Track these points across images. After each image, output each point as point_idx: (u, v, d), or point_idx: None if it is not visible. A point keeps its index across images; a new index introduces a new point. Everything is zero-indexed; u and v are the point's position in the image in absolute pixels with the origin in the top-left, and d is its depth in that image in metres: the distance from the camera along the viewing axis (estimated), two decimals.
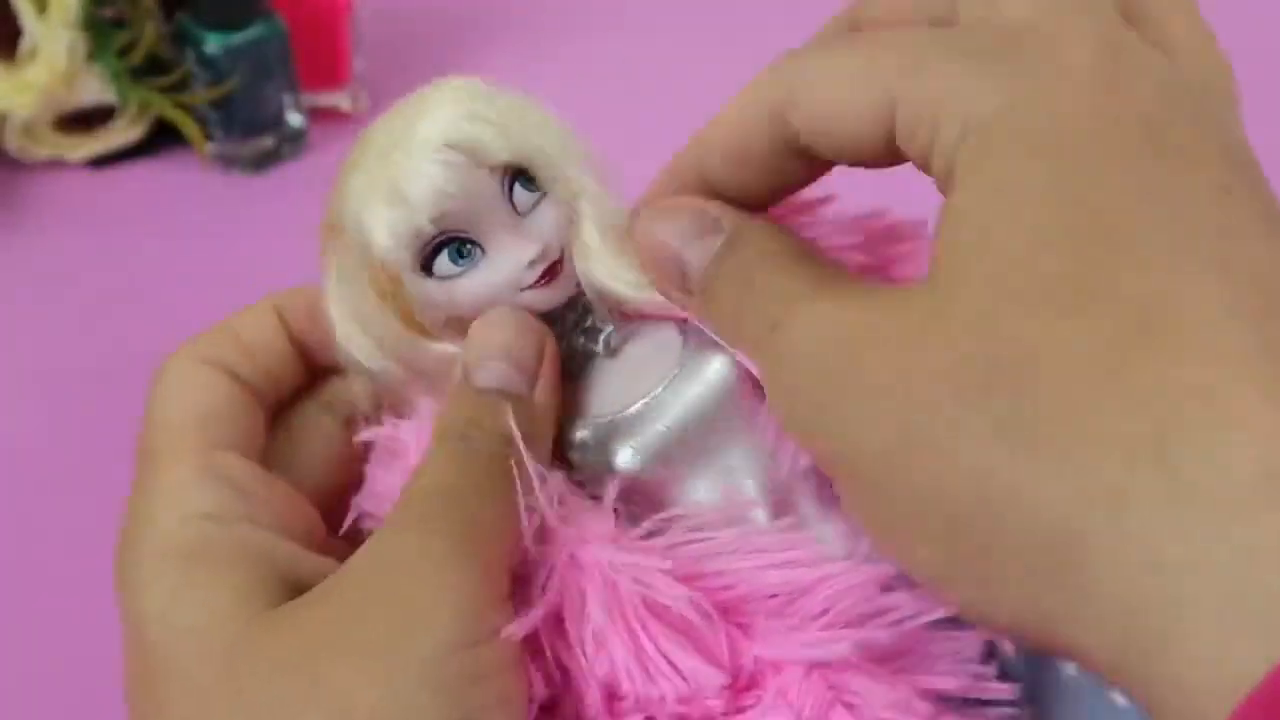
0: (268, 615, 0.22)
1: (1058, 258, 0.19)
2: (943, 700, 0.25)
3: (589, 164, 0.29)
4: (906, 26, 0.24)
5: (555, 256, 0.27)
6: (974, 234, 0.20)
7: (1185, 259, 0.18)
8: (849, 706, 0.24)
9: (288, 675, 0.21)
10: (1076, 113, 0.20)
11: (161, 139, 0.54)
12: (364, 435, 0.27)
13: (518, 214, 0.27)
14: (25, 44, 0.50)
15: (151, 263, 0.50)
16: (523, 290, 0.27)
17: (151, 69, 0.52)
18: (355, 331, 0.27)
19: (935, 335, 0.19)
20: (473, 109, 0.28)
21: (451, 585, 0.22)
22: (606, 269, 0.27)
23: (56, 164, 0.54)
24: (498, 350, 0.25)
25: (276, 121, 0.53)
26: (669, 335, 0.27)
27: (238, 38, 0.50)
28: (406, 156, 0.26)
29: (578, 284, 0.27)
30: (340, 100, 0.56)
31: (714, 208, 0.25)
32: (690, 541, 0.25)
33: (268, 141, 0.54)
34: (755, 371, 0.23)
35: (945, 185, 0.21)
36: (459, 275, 0.26)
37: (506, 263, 0.27)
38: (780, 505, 0.26)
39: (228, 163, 0.54)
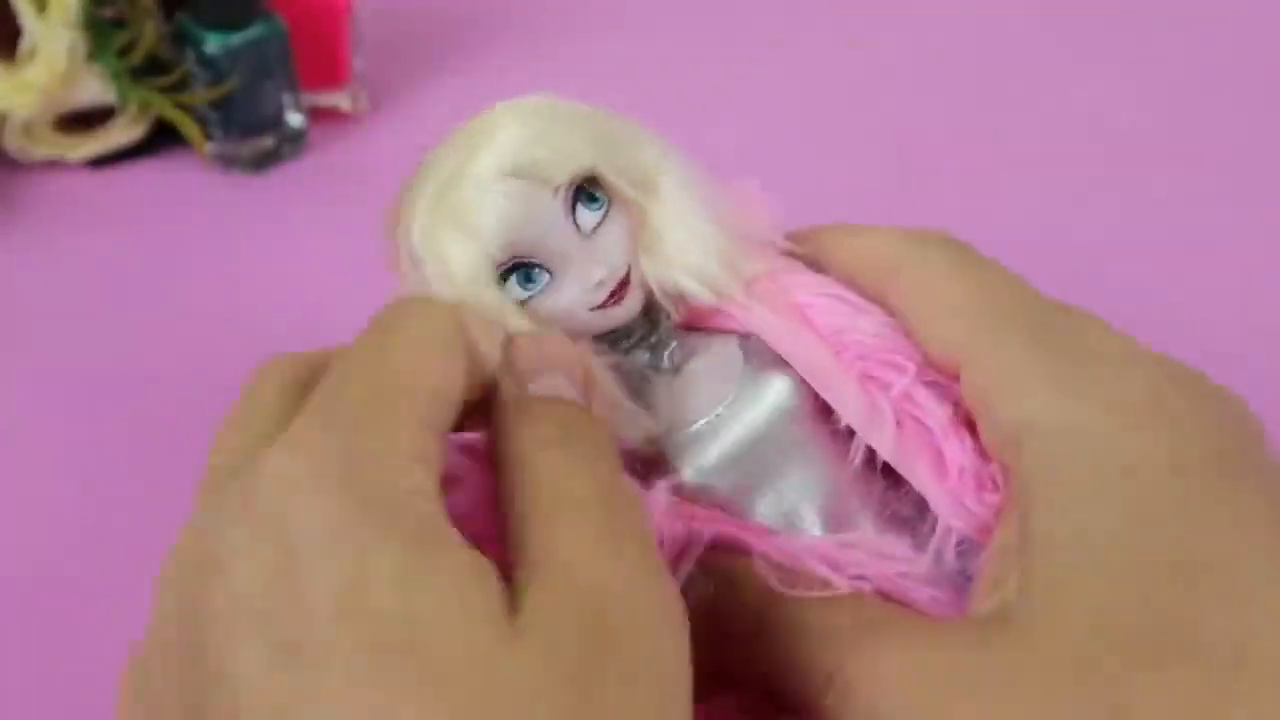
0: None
1: (1145, 604, 0.19)
2: None
3: (663, 159, 0.29)
4: None
5: (622, 275, 0.27)
6: (1058, 576, 0.20)
7: (1269, 590, 0.19)
8: None
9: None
10: (1143, 444, 0.21)
11: (161, 139, 0.54)
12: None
13: (582, 235, 0.27)
14: (25, 44, 0.50)
15: (151, 263, 0.50)
16: (591, 310, 0.27)
17: (151, 69, 0.52)
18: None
19: (1026, 687, 0.19)
20: (532, 132, 0.28)
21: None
22: (683, 267, 0.27)
23: (56, 164, 0.54)
24: (549, 362, 0.24)
25: (276, 121, 0.53)
26: (731, 351, 0.27)
27: (237, 38, 0.50)
28: (472, 189, 0.27)
29: (644, 298, 0.28)
30: (340, 100, 0.56)
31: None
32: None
33: (268, 141, 0.54)
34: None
35: (1006, 462, 0.22)
36: (528, 299, 0.27)
37: (574, 285, 0.27)
38: (839, 528, 0.26)
39: (228, 163, 0.54)
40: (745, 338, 0.27)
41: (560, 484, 0.21)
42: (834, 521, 0.26)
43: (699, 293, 0.27)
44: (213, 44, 0.50)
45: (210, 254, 0.50)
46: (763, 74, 0.62)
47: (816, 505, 0.26)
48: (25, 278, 0.49)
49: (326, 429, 0.21)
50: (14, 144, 0.53)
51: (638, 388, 0.27)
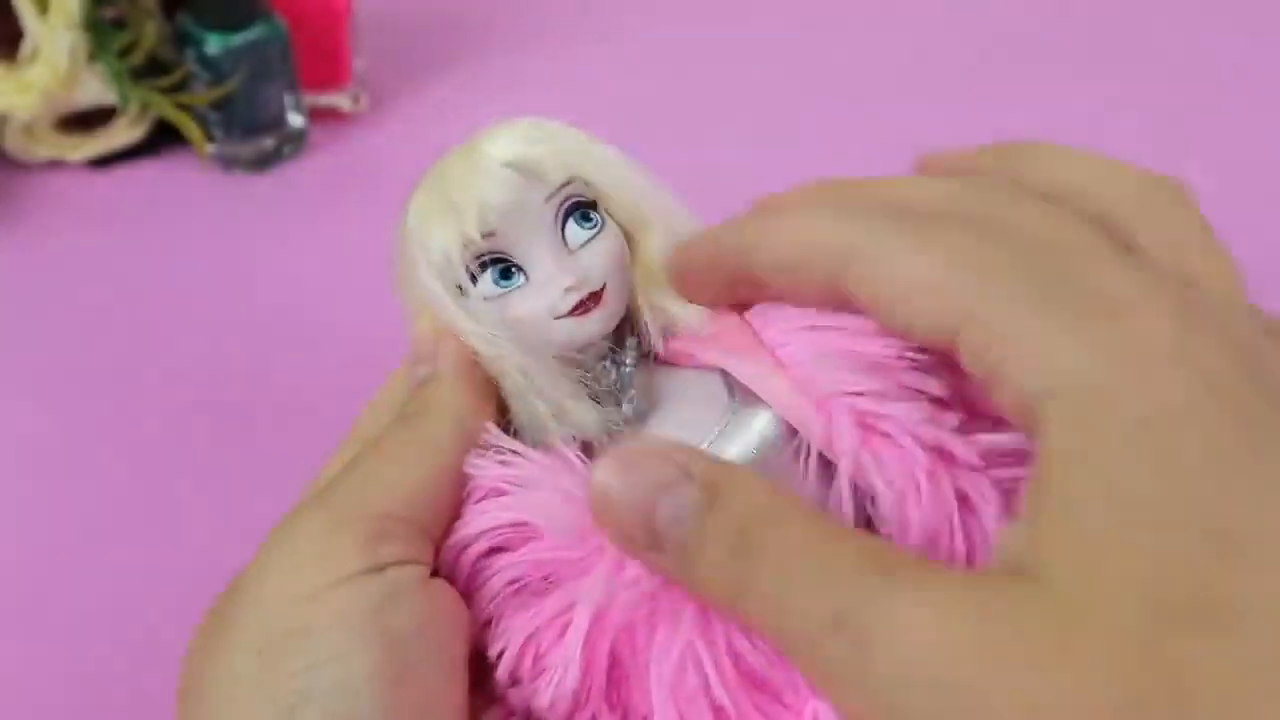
0: None
1: (1189, 572, 0.18)
2: None
3: (651, 195, 0.30)
4: (972, 174, 0.24)
5: (595, 288, 0.28)
6: (1090, 539, 0.19)
7: None
8: None
9: None
10: (1170, 399, 0.19)
11: (162, 139, 0.54)
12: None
13: (567, 248, 0.28)
14: (27, 45, 0.50)
15: (153, 263, 0.50)
16: (557, 318, 0.27)
17: (152, 70, 0.52)
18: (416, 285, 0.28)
19: (1072, 657, 0.18)
20: (534, 134, 0.28)
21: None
22: (670, 293, 0.28)
23: (57, 164, 0.54)
24: (432, 350, 0.28)
25: (277, 122, 0.54)
26: (715, 386, 0.28)
27: (238, 38, 0.50)
28: (465, 171, 0.28)
29: (618, 323, 0.28)
30: (341, 100, 0.56)
31: (681, 454, 0.22)
32: None
33: (268, 142, 0.54)
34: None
35: (1026, 428, 0.21)
36: (499, 296, 0.27)
37: (544, 291, 0.27)
38: None
39: (228, 163, 0.54)
40: (726, 373, 0.28)
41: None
42: None
43: (692, 322, 0.28)
44: (213, 45, 0.50)
45: (211, 254, 0.51)
46: (762, 75, 0.62)
47: None
48: (26, 277, 0.49)
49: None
50: (15, 144, 0.53)
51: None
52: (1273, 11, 0.66)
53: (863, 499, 0.26)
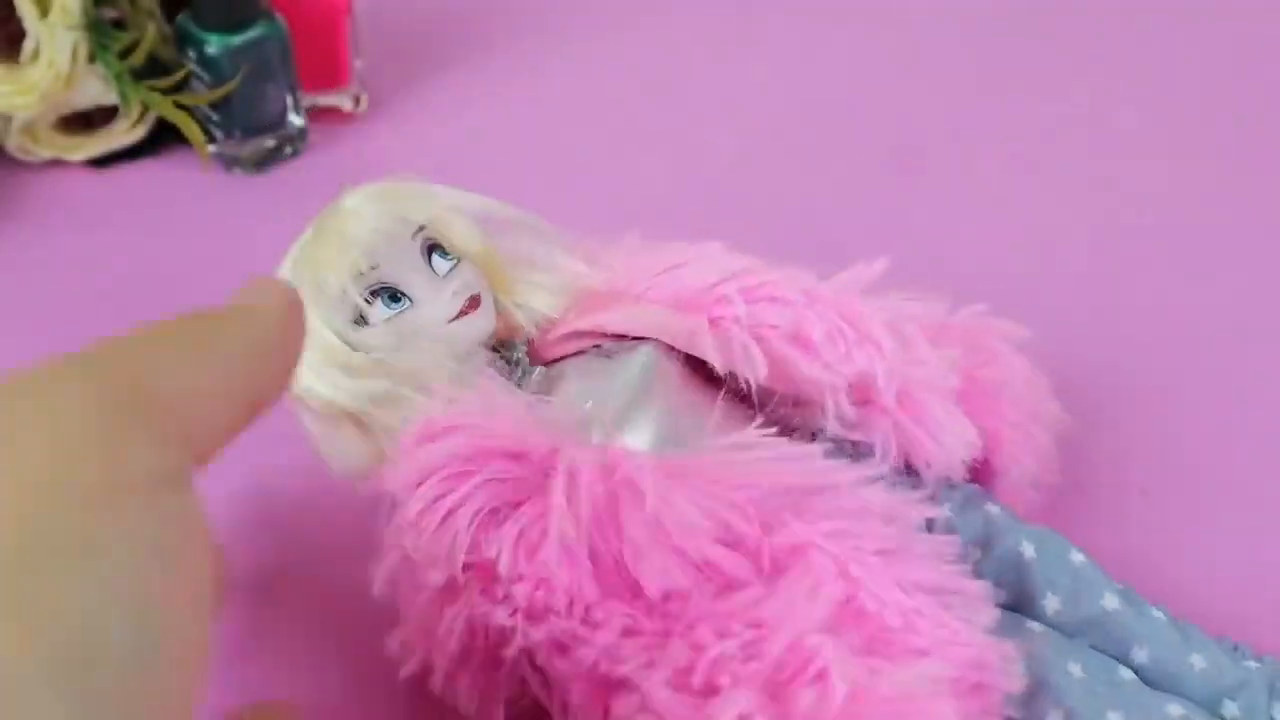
0: None
1: None
2: (925, 591, 0.29)
3: (519, 228, 0.37)
4: None
5: (473, 293, 0.34)
6: None
7: None
8: (855, 580, 0.28)
9: None
10: None
11: (163, 140, 0.54)
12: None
13: (438, 275, 0.34)
14: (28, 45, 0.50)
15: (153, 263, 0.50)
16: (450, 322, 0.34)
17: (153, 70, 0.52)
18: (313, 377, 0.33)
19: None
20: (391, 189, 0.35)
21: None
22: (533, 297, 0.35)
23: (58, 164, 0.54)
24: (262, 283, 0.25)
25: (277, 122, 0.54)
26: (595, 361, 0.34)
27: (238, 39, 0.51)
28: (340, 222, 0.34)
29: (499, 327, 0.35)
30: (341, 101, 0.57)
31: None
32: (718, 456, 0.30)
33: (269, 142, 0.54)
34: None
35: None
36: (395, 317, 0.33)
37: (432, 304, 0.34)
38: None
39: (229, 163, 0.54)
40: (596, 346, 0.34)
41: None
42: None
43: (551, 309, 0.35)
44: (214, 45, 0.51)
45: (211, 254, 0.51)
46: (761, 72, 0.62)
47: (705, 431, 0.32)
48: (27, 277, 0.50)
49: None
50: (16, 144, 0.53)
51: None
52: (1273, 11, 0.66)
53: (758, 391, 0.33)
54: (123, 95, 0.52)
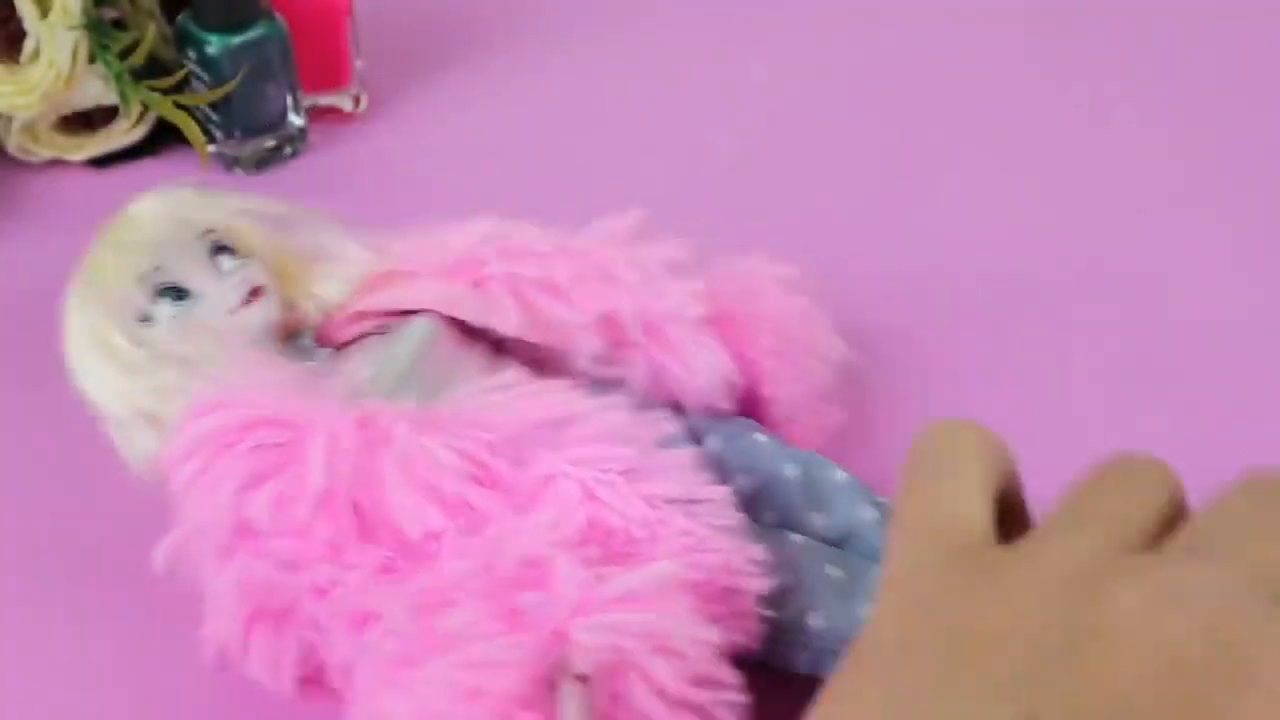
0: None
1: None
2: (669, 501, 0.31)
3: (309, 225, 0.40)
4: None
5: (256, 283, 0.37)
6: None
7: None
8: (600, 501, 0.31)
9: None
10: None
11: (163, 140, 0.54)
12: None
13: (222, 273, 0.37)
14: (28, 45, 0.50)
15: None
16: (233, 313, 0.36)
17: (153, 70, 0.52)
18: (102, 382, 0.36)
19: None
20: (172, 195, 0.38)
21: None
22: (315, 287, 0.38)
23: (59, 164, 0.54)
24: None
25: (278, 122, 0.54)
26: (374, 342, 0.36)
27: (239, 39, 0.51)
28: (123, 230, 0.37)
29: (284, 317, 0.37)
30: (341, 101, 0.57)
31: None
32: (470, 403, 0.33)
33: (269, 142, 0.54)
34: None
35: None
36: (182, 313, 0.36)
37: (216, 295, 0.36)
38: None
39: (229, 163, 0.54)
40: (379, 333, 0.37)
41: None
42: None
43: (340, 295, 0.38)
44: (214, 45, 0.51)
45: None
46: (760, 73, 0.62)
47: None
48: (27, 277, 0.50)
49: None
50: (17, 144, 0.53)
51: None
52: (1273, 10, 0.66)
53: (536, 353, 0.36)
54: (123, 95, 0.52)
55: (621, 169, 0.55)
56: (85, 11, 0.50)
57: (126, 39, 0.51)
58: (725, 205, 0.53)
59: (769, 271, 0.40)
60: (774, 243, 0.51)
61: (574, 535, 0.30)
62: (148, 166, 0.55)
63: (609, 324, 0.36)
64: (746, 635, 0.31)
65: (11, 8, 0.50)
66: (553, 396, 0.33)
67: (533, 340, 0.36)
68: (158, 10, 0.52)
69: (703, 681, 0.29)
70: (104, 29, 0.51)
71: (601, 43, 0.64)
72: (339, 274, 0.39)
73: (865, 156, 0.57)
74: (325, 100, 0.56)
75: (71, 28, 0.50)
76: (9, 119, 0.52)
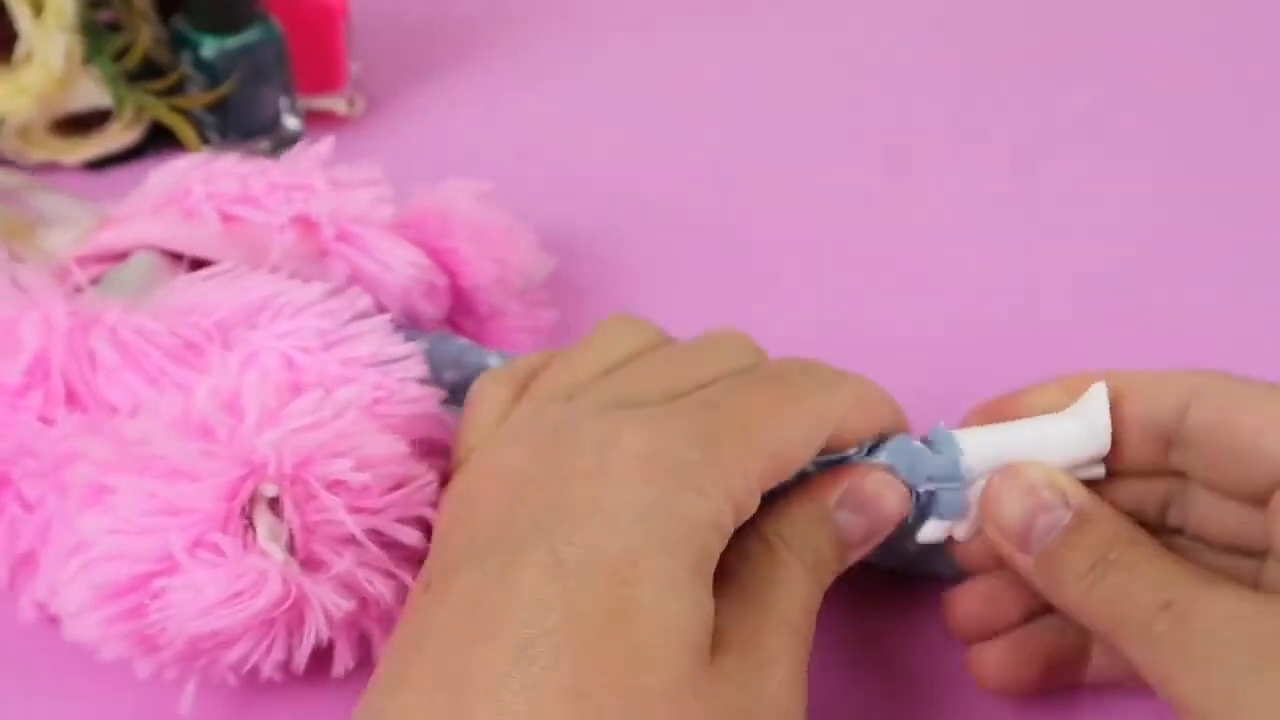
0: None
1: None
2: (361, 363, 0.34)
3: (32, 194, 0.42)
4: None
5: None
6: None
7: None
8: (299, 367, 0.33)
9: None
10: None
11: (158, 142, 0.54)
12: None
13: None
14: (21, 47, 0.50)
15: None
16: None
17: (147, 72, 0.52)
18: None
19: None
20: None
21: None
22: (51, 241, 0.39)
23: (53, 167, 0.54)
24: None
25: (273, 125, 0.53)
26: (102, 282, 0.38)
27: (233, 41, 0.50)
28: None
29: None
30: (336, 104, 0.56)
31: (1060, 483, 0.30)
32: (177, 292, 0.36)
33: (264, 145, 0.54)
34: (1136, 660, 0.28)
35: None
36: None
37: None
38: None
39: None
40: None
41: None
42: None
43: (64, 247, 0.39)
44: (209, 47, 0.50)
45: None
46: (758, 72, 0.62)
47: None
48: None
49: None
50: (10, 147, 0.53)
51: None
52: (1273, 9, 0.66)
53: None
54: (117, 98, 0.52)
55: (618, 169, 0.55)
56: (79, 13, 0.50)
57: (120, 41, 0.51)
58: (724, 205, 0.53)
59: (464, 186, 0.43)
60: (773, 242, 0.51)
61: (275, 390, 0.33)
62: (143, 169, 0.54)
63: (305, 226, 0.39)
64: (441, 475, 0.34)
65: (4, 9, 0.50)
66: (258, 280, 0.36)
67: (239, 257, 0.38)
68: (152, 12, 0.52)
69: (398, 487, 0.32)
70: (98, 31, 0.51)
71: (599, 44, 0.64)
72: (68, 235, 0.40)
73: (863, 157, 0.56)
74: (320, 103, 0.56)
75: (65, 29, 0.50)
76: (2, 122, 0.52)
